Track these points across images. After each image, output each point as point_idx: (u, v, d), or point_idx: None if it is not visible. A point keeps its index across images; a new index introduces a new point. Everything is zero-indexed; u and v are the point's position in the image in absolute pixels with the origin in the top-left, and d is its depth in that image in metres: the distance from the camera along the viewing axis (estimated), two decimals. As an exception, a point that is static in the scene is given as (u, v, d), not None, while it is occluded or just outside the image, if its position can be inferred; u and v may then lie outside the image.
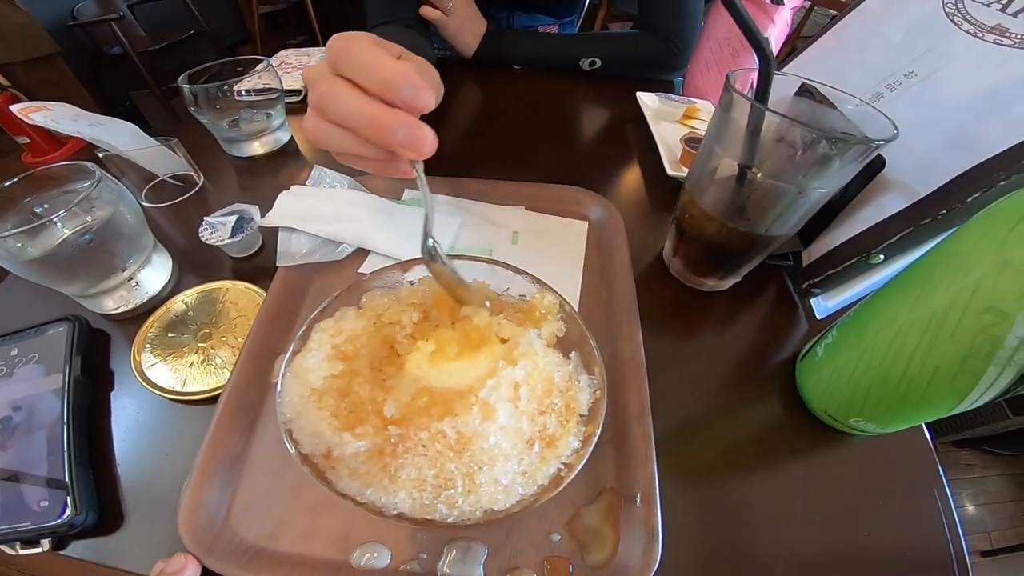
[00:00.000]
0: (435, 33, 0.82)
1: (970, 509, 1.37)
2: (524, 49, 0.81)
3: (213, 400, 0.36)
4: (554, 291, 0.35)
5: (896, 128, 0.32)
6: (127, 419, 0.36)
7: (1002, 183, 0.32)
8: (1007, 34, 0.35)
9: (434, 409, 0.29)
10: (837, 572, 0.32)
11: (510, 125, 0.69)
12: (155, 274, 0.42)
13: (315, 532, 0.31)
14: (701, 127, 0.59)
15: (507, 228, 0.46)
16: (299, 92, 0.70)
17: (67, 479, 0.31)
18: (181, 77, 0.49)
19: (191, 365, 0.38)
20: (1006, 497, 1.39)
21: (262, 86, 0.53)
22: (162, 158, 0.45)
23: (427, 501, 0.27)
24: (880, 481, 0.36)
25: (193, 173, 0.51)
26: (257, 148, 0.57)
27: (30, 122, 0.41)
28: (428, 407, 0.29)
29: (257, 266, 0.44)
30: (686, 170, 0.53)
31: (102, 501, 0.32)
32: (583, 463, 0.28)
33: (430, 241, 0.31)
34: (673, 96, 0.64)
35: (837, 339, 0.37)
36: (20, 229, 0.33)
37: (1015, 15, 0.35)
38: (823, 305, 0.45)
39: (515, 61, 0.82)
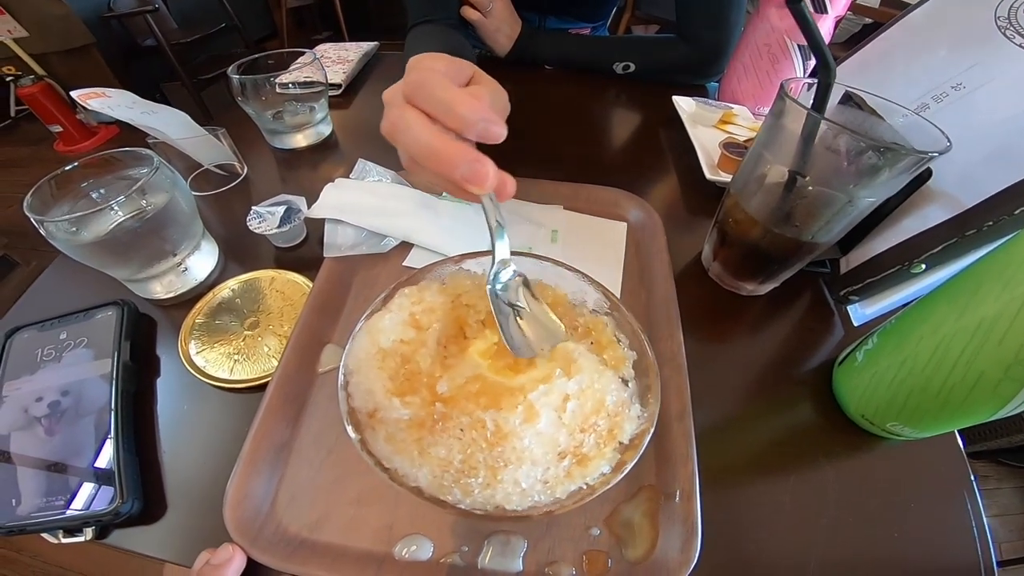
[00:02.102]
0: (472, 32, 0.82)
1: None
2: (558, 50, 0.81)
3: (260, 388, 0.36)
4: (628, 314, 0.34)
5: (949, 140, 0.32)
6: (173, 406, 0.37)
7: None
8: None
9: (482, 398, 0.29)
10: (867, 573, 0.32)
11: (545, 125, 0.68)
12: (203, 261, 0.42)
13: (359, 523, 0.31)
14: (738, 132, 0.58)
15: (546, 227, 0.46)
16: (339, 86, 0.70)
17: (114, 467, 0.31)
18: (231, 68, 0.49)
19: (238, 352, 0.38)
20: (1018, 510, 1.38)
21: (304, 79, 0.53)
22: (208, 147, 0.45)
23: (446, 483, 0.27)
24: (912, 485, 0.36)
25: (237, 163, 0.51)
26: (300, 140, 0.57)
27: (88, 107, 0.41)
28: (477, 394, 0.29)
29: (301, 256, 0.45)
30: (724, 175, 0.53)
31: (146, 490, 0.32)
32: (607, 488, 0.27)
33: (497, 286, 0.32)
34: (710, 101, 0.63)
35: (878, 345, 0.37)
36: (78, 214, 0.33)
37: None
38: (860, 312, 0.44)
39: (548, 62, 0.82)
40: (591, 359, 0.32)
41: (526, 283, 0.33)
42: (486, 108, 0.29)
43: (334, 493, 0.32)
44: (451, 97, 0.29)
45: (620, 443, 0.30)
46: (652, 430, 0.29)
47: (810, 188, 0.35)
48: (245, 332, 0.39)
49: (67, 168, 0.36)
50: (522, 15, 0.80)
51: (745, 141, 0.55)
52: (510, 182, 0.30)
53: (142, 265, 0.38)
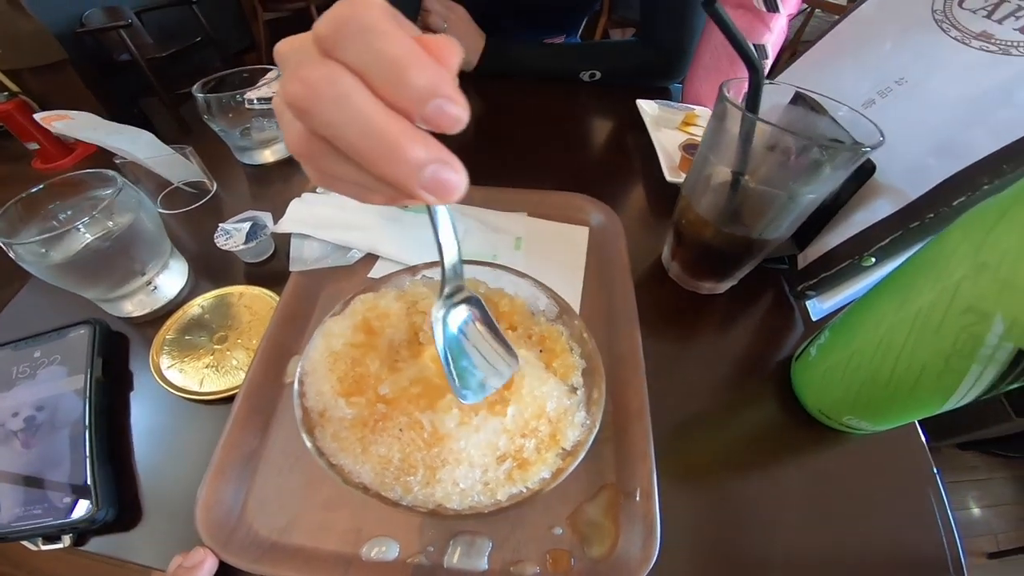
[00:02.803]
0: None
1: (976, 511, 1.37)
2: (525, 62, 0.83)
3: (229, 400, 0.38)
4: (579, 322, 0.36)
5: (883, 135, 0.33)
6: (146, 419, 0.38)
7: (985, 187, 0.33)
8: (992, 40, 0.36)
9: (422, 400, 0.30)
10: (833, 568, 0.33)
11: (512, 134, 0.70)
12: (172, 278, 0.44)
13: (327, 526, 0.33)
14: (699, 133, 0.60)
15: (510, 234, 0.48)
16: None
17: (89, 476, 0.33)
18: (195, 86, 0.51)
19: (207, 366, 0.39)
20: (1012, 500, 1.39)
21: (271, 94, 0.55)
22: (177, 166, 0.46)
23: (388, 480, 0.29)
24: (875, 479, 0.37)
25: (206, 180, 0.52)
26: (268, 156, 0.58)
27: (53, 131, 0.43)
28: (418, 396, 0.31)
29: (270, 271, 0.46)
30: (681, 178, 0.54)
31: (121, 498, 0.34)
32: (546, 490, 0.29)
33: (440, 312, 0.27)
34: (672, 103, 0.65)
35: (829, 340, 0.38)
36: (44, 236, 0.35)
37: (1000, 21, 0.37)
38: (818, 307, 0.46)
39: (516, 73, 0.84)
40: (536, 366, 0.33)
41: (480, 308, 0.29)
42: (448, 79, 0.18)
43: (303, 498, 0.34)
44: (402, 52, 0.17)
45: (563, 449, 0.31)
46: (591, 439, 0.30)
47: (752, 187, 0.37)
48: (215, 347, 0.40)
49: (33, 191, 0.38)
50: (499, 25, 0.82)
51: (704, 142, 0.56)
52: (464, 182, 0.20)
53: (112, 285, 0.40)
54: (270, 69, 0.57)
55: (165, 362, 0.40)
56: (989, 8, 0.37)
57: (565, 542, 0.32)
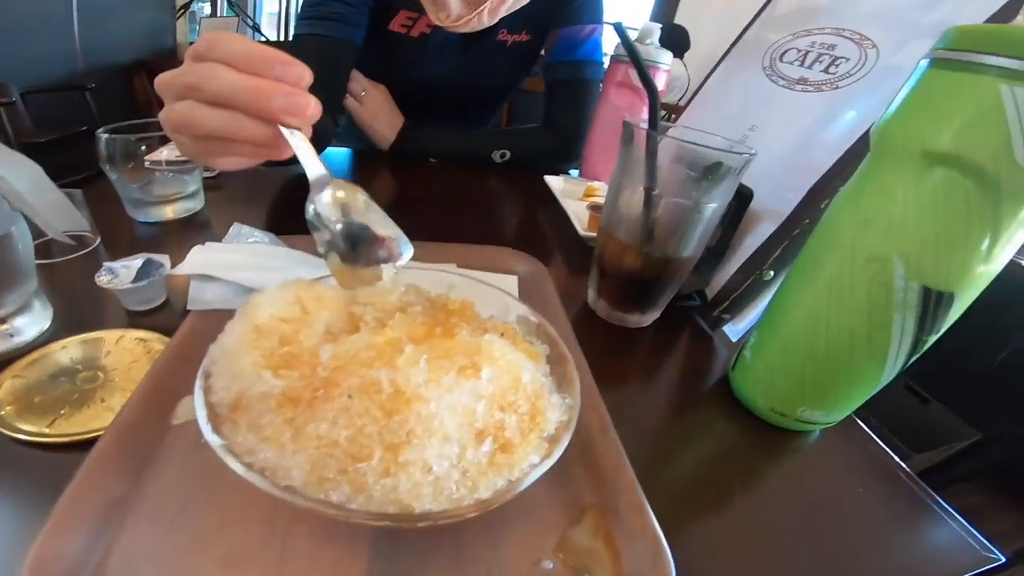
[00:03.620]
0: (354, 125, 0.88)
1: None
2: (441, 143, 0.89)
3: (88, 445, 0.29)
4: (535, 315, 0.35)
5: (754, 151, 0.41)
6: None
7: (839, 188, 0.41)
8: (808, 82, 0.50)
9: (377, 361, 0.26)
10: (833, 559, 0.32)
11: (431, 210, 0.73)
12: (33, 321, 0.36)
13: None
14: (600, 200, 0.68)
15: (442, 284, 0.48)
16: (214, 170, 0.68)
17: None
18: (101, 129, 0.48)
19: (66, 405, 0.31)
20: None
21: (176, 157, 0.52)
22: (61, 211, 0.41)
23: (330, 474, 0.23)
24: (843, 477, 0.38)
25: (90, 232, 0.47)
26: (168, 213, 0.54)
27: None
28: (372, 359, 0.26)
29: (158, 324, 0.39)
30: (593, 234, 0.60)
31: None
32: (534, 478, 0.25)
33: (311, 208, 0.30)
34: (574, 177, 0.75)
35: (758, 338, 0.41)
36: None
37: (810, 67, 0.50)
38: (735, 329, 0.50)
39: (431, 154, 0.90)
40: (502, 341, 0.31)
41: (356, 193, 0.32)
42: (283, 53, 0.29)
43: (192, 553, 0.25)
44: (249, 44, 0.28)
45: (546, 433, 0.28)
46: (575, 419, 0.28)
47: (663, 200, 0.42)
48: (80, 386, 0.32)
49: None
50: (417, 116, 0.88)
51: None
52: (315, 103, 0.30)
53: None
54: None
55: (3, 398, 0.31)
56: (800, 58, 0.51)
57: None
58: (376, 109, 0.85)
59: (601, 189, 0.69)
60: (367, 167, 0.88)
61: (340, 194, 0.31)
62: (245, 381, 0.25)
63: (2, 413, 0.30)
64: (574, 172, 0.76)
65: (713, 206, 0.42)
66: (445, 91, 0.94)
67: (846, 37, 0.49)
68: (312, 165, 0.31)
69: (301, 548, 0.26)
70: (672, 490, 0.34)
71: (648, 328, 0.50)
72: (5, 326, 0.34)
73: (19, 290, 0.35)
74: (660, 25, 0.74)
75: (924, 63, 0.30)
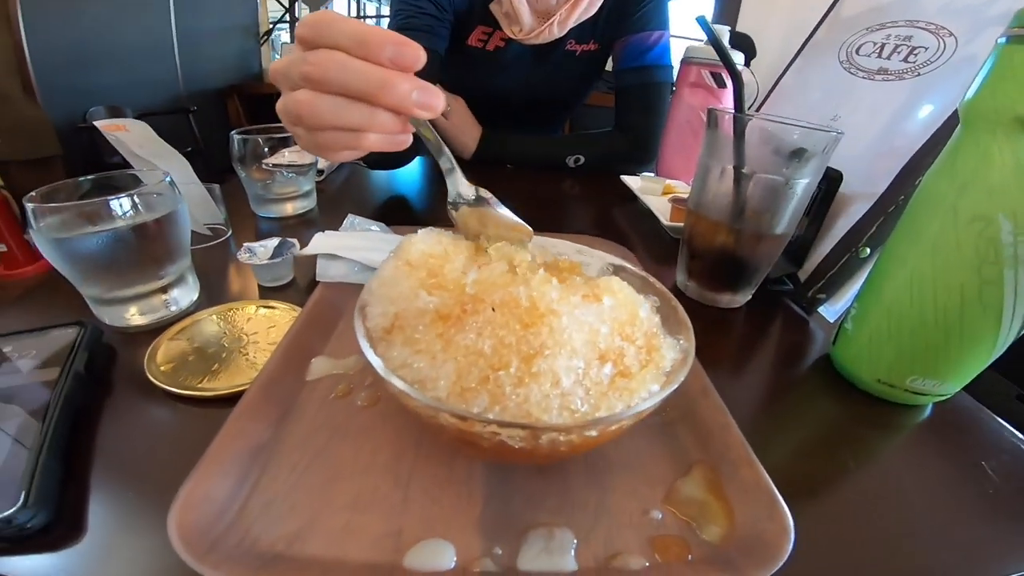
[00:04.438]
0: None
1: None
2: (519, 149, 0.87)
3: (235, 400, 0.29)
4: (640, 270, 0.33)
5: (840, 131, 0.38)
6: (129, 418, 0.29)
7: (931, 165, 0.37)
8: (889, 72, 0.47)
9: (514, 283, 0.26)
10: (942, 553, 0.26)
11: (512, 210, 0.71)
12: (186, 293, 0.38)
13: (355, 531, 0.23)
14: (682, 194, 0.65)
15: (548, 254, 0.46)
16: (322, 172, 0.71)
17: (27, 470, 0.23)
18: (234, 131, 0.51)
19: (215, 363, 0.32)
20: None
21: (287, 162, 0.55)
22: (203, 205, 0.43)
23: (472, 383, 0.22)
24: (958, 454, 0.33)
25: (223, 225, 0.49)
26: (288, 209, 0.56)
27: (110, 139, 0.40)
28: (509, 281, 0.26)
29: (287, 299, 0.40)
30: (677, 224, 0.57)
31: (63, 506, 0.24)
32: (655, 402, 0.23)
33: (464, 189, 0.31)
34: (651, 175, 0.72)
35: (860, 308, 0.37)
36: (76, 203, 0.31)
37: (888, 58, 0.47)
38: (832, 309, 0.45)
39: (510, 161, 0.88)
40: (617, 279, 0.30)
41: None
42: (393, 32, 0.25)
43: (323, 497, 0.25)
44: (359, 26, 0.25)
45: (663, 370, 0.26)
46: (690, 360, 0.25)
47: (753, 177, 0.38)
48: (228, 347, 0.33)
49: (81, 179, 0.35)
50: (492, 123, 0.88)
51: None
52: (443, 96, 0.27)
53: (125, 280, 0.34)
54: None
55: (163, 357, 0.32)
56: (877, 50, 0.48)
57: (670, 527, 0.25)
58: (458, 120, 0.86)
59: (679, 187, 0.65)
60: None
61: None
62: (403, 303, 0.26)
63: (163, 370, 0.31)
64: (648, 173, 0.72)
65: (805, 182, 0.39)
66: (519, 101, 0.94)
67: (921, 28, 0.46)
68: (445, 153, 0.31)
69: (422, 493, 0.25)
70: (776, 467, 0.29)
71: (740, 310, 0.47)
72: (165, 296, 0.36)
73: (179, 263, 0.37)
74: (728, 28, 0.70)
75: (1002, 41, 0.29)
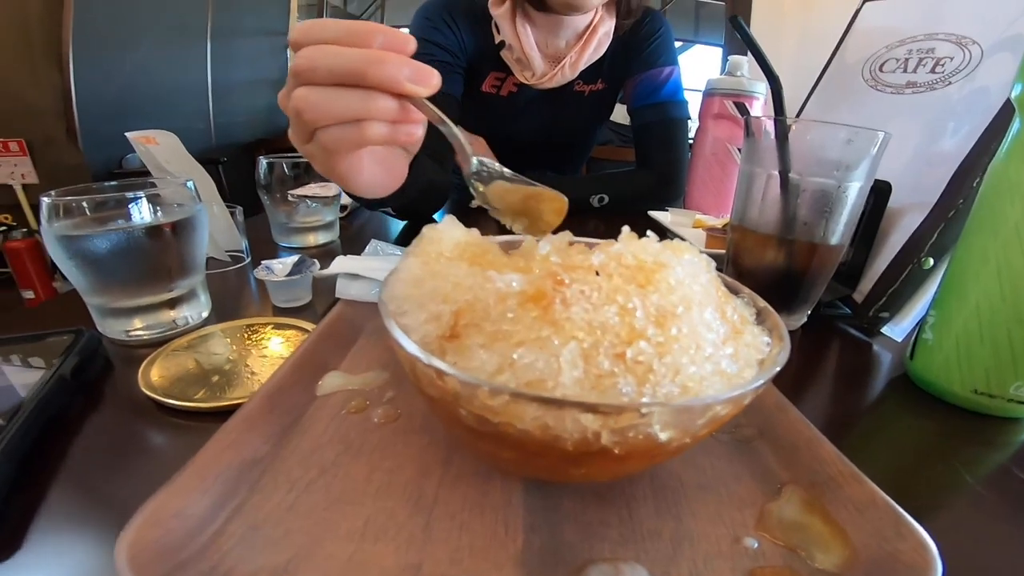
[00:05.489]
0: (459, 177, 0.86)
1: None
2: None
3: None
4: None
5: (887, 132, 0.35)
6: (109, 428, 0.25)
7: (988, 164, 0.34)
8: (918, 85, 0.45)
9: (594, 248, 0.22)
10: None
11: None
12: (194, 308, 0.34)
13: (362, 563, 0.18)
14: (714, 223, 0.61)
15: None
16: (345, 208, 0.69)
17: None
18: (261, 156, 0.51)
19: (216, 377, 0.28)
20: None
21: (312, 193, 0.53)
22: (224, 229, 0.41)
23: (605, 367, 0.17)
24: None
25: (243, 253, 0.47)
26: (309, 240, 0.54)
27: (138, 151, 0.38)
28: (582, 250, 0.22)
29: (302, 320, 0.36)
30: (713, 250, 0.52)
31: (7, 515, 0.20)
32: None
33: (475, 161, 0.28)
34: (681, 210, 0.69)
35: (940, 314, 0.33)
36: (93, 196, 0.29)
37: (915, 71, 0.46)
38: (898, 328, 0.40)
39: None
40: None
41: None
42: (377, 24, 0.26)
43: (325, 522, 0.20)
44: (344, 22, 0.25)
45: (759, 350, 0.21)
46: (788, 344, 0.21)
47: (802, 180, 0.35)
48: (231, 360, 0.29)
49: (106, 183, 0.33)
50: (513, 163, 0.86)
51: (723, 226, 0.58)
52: (437, 73, 0.26)
53: (134, 288, 0.31)
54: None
55: (160, 370, 0.28)
56: (901, 66, 0.47)
57: (772, 557, 0.19)
58: None
59: (709, 221, 0.62)
60: (470, 215, 0.84)
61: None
62: (464, 295, 0.19)
63: (157, 381, 0.27)
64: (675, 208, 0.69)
65: (858, 185, 0.36)
66: (534, 144, 0.93)
67: (941, 40, 0.46)
68: (453, 128, 0.28)
69: (449, 519, 0.20)
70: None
71: (795, 334, 0.41)
72: (173, 311, 0.33)
73: (191, 277, 0.34)
74: (747, 57, 0.70)
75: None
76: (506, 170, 0.29)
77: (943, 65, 0.44)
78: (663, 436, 0.16)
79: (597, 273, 0.19)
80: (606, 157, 1.05)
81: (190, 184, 0.33)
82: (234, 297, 0.42)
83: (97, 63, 1.78)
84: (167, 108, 2.18)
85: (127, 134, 0.40)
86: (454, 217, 0.25)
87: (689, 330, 0.18)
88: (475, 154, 0.29)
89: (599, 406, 0.16)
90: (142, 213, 0.31)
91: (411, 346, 0.17)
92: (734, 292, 0.25)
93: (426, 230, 0.24)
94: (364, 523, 0.19)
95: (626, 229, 0.22)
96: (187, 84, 2.30)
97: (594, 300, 0.18)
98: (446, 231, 0.24)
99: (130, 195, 0.30)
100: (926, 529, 0.18)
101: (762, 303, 0.24)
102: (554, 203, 0.29)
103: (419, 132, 0.29)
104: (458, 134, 0.28)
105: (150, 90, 2.06)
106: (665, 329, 0.18)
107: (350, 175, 0.32)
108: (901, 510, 0.19)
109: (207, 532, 0.18)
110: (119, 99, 1.90)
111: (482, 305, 0.19)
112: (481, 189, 0.28)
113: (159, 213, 0.31)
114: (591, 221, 0.76)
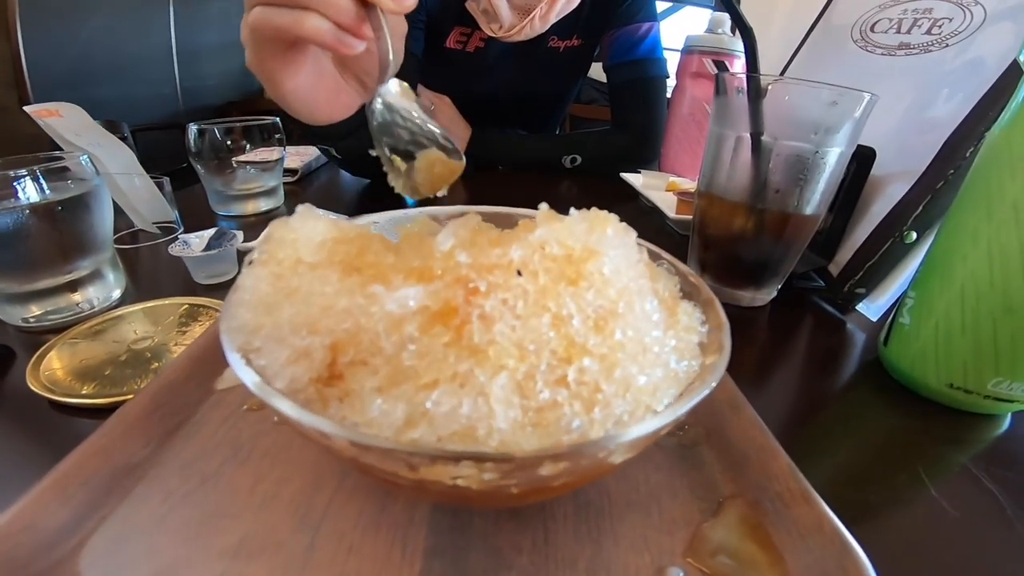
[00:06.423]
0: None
1: None
2: (509, 149, 0.79)
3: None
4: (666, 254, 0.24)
5: (873, 93, 0.31)
6: None
7: (985, 133, 0.32)
8: (911, 47, 0.41)
9: (506, 238, 0.17)
10: None
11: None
12: (101, 292, 0.31)
13: None
14: (688, 188, 0.57)
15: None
16: (295, 172, 0.65)
17: None
18: (190, 124, 0.46)
19: (111, 368, 0.25)
20: None
21: (260, 159, 0.49)
22: (150, 199, 0.37)
23: (546, 397, 0.14)
24: None
25: (175, 223, 0.43)
26: (248, 208, 0.50)
27: (40, 125, 0.34)
28: (501, 238, 0.17)
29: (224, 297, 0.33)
30: (684, 217, 0.49)
31: None
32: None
33: (393, 83, 0.26)
34: (654, 172, 0.65)
35: (920, 295, 0.30)
36: None
37: (909, 32, 0.41)
38: (874, 306, 0.37)
39: (500, 162, 0.80)
40: None
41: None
42: None
43: (196, 538, 0.17)
44: None
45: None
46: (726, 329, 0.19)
47: (776, 146, 0.32)
48: (130, 349, 0.26)
49: None
50: (483, 123, 0.80)
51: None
52: None
53: (24, 273, 0.28)
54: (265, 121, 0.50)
55: (52, 362, 0.25)
56: (895, 26, 0.42)
57: None
58: (445, 120, 0.77)
59: (685, 184, 0.58)
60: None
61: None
62: (342, 319, 0.15)
63: (46, 374, 0.24)
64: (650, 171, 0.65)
65: (837, 151, 0.32)
66: (505, 103, 0.87)
67: (942, 0, 0.40)
68: (388, 41, 0.26)
69: (336, 539, 0.18)
70: (829, 499, 0.20)
71: (763, 309, 0.39)
72: (74, 294, 0.29)
73: (94, 257, 0.30)
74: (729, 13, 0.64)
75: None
76: (416, 112, 0.26)
77: (940, 26, 0.39)
78: (617, 460, 0.14)
79: (519, 273, 0.15)
80: (590, 116, 0.99)
81: (84, 159, 0.29)
82: (156, 273, 0.38)
83: (48, 30, 1.69)
84: (128, 74, 2.06)
85: (26, 108, 0.35)
86: (311, 206, 0.19)
87: (633, 331, 0.15)
88: (402, 84, 0.26)
89: (560, 455, 0.12)
90: (26, 192, 0.27)
91: (282, 404, 0.13)
92: (654, 259, 0.22)
93: (273, 227, 0.18)
94: (240, 540, 0.17)
95: (544, 206, 0.18)
96: (149, 49, 2.17)
97: (520, 311, 0.15)
98: (302, 226, 0.18)
99: (12, 173, 0.27)
100: (869, 550, 0.16)
101: (683, 268, 0.22)
102: (448, 165, 0.25)
103: (358, 47, 0.26)
104: (390, 50, 0.26)
105: (109, 56, 1.95)
106: (607, 334, 0.15)
107: (276, 74, 0.29)
108: (850, 538, 0.16)
109: (66, 546, 0.16)
110: (75, 67, 1.81)
111: (369, 335, 0.15)
112: (378, 112, 0.26)
113: (47, 191, 0.27)
114: (563, 182, 0.72)
